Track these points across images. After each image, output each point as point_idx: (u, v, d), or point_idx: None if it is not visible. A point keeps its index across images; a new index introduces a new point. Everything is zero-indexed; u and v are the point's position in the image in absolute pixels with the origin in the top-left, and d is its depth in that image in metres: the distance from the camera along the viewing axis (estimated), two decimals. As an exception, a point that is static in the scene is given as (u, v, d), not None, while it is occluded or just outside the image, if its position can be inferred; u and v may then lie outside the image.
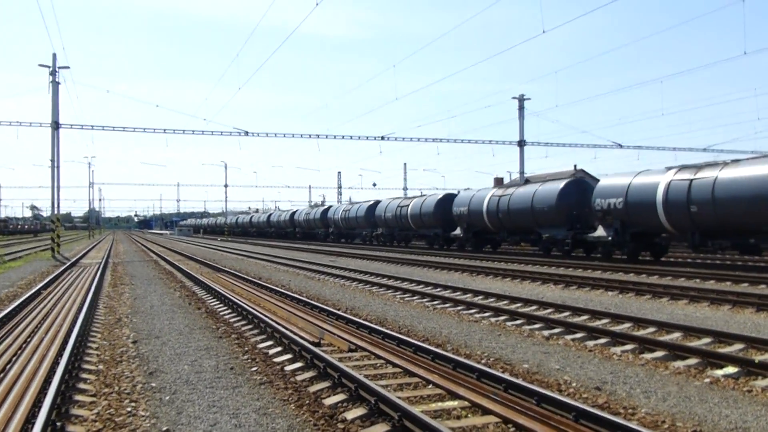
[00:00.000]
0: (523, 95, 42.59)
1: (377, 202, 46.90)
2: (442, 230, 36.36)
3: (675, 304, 13.00)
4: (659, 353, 8.15)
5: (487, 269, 21.03)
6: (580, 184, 27.34)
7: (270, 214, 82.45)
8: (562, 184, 27.02)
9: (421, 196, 40.65)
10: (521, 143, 42.98)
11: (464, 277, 19.79)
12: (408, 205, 39.67)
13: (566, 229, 26.27)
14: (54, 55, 33.50)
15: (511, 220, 29.62)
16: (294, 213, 70.12)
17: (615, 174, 24.69)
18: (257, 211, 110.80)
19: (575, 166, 62.69)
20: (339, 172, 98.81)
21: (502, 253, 31.62)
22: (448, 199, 35.91)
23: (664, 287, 14.86)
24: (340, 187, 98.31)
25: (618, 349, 8.55)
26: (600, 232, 23.92)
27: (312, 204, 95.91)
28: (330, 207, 59.55)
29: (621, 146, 45.59)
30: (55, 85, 33.36)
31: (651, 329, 9.91)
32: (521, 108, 42.67)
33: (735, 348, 8.41)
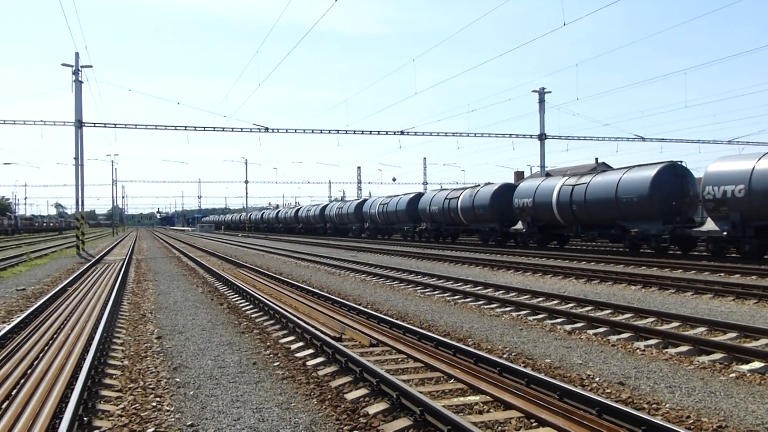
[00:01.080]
0: (543, 88, 42.23)
1: (419, 195, 43.56)
2: (500, 225, 32.81)
3: (699, 298, 12.86)
4: (684, 348, 8.07)
5: (508, 263, 20.94)
6: (678, 169, 23.82)
7: (298, 209, 78.64)
8: (655, 170, 23.44)
9: (474, 186, 36.61)
10: (542, 137, 42.65)
11: (485, 271, 19.73)
12: (458, 198, 35.97)
13: (662, 222, 22.92)
14: (77, 55, 33.82)
15: (588, 213, 25.86)
16: (325, 207, 66.16)
17: (728, 156, 21.65)
18: (277, 207, 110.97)
19: (597, 159, 62.14)
20: (359, 167, 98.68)
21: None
22: (507, 189, 32.77)
23: (689, 281, 14.69)
24: (359, 182, 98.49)
25: (641, 344, 8.48)
26: (710, 225, 20.96)
27: (333, 198, 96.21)
28: (365, 200, 55.35)
29: (644, 139, 45.04)
30: (78, 84, 33.74)
31: (675, 324, 9.81)
32: (542, 101, 42.32)
33: (761, 343, 8.29)
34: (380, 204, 48.68)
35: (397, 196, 47.89)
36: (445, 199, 37.42)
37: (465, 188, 37.33)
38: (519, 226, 30.91)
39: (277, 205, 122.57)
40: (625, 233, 24.69)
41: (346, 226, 58.94)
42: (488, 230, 34.27)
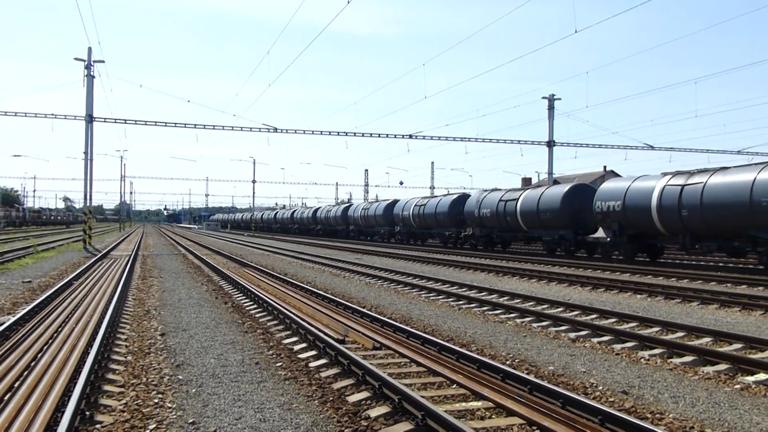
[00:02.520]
0: (553, 95, 42.19)
1: (465, 195, 37.96)
2: (572, 232, 27.71)
3: (705, 308, 12.78)
4: (688, 358, 8.02)
5: (513, 270, 20.88)
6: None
7: (316, 209, 71.90)
8: None
9: (537, 187, 32.64)
10: (550, 143, 42.59)
11: (490, 277, 19.69)
12: (517, 199, 31.09)
13: None
14: (89, 49, 33.99)
15: (704, 221, 20.84)
16: (347, 208, 60.57)
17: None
18: (291, 207, 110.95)
19: (605, 167, 62.01)
20: (366, 170, 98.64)
21: (525, 254, 31.12)
22: (583, 191, 28.50)
23: (695, 291, 14.62)
24: (367, 184, 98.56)
25: (646, 353, 8.44)
26: None
27: (341, 201, 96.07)
28: (396, 201, 48.48)
29: (653, 148, 44.93)
30: (90, 78, 33.90)
31: (680, 333, 9.76)
32: (551, 108, 42.28)
33: (767, 354, 8.24)
34: (416, 205, 42.29)
35: (436, 197, 42.78)
36: (500, 200, 32.16)
37: (526, 188, 33.16)
38: (599, 234, 25.71)
39: (284, 205, 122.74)
40: (760, 245, 19.92)
41: (372, 229, 53.13)
42: (556, 238, 28.87)
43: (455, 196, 38.54)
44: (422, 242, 45.53)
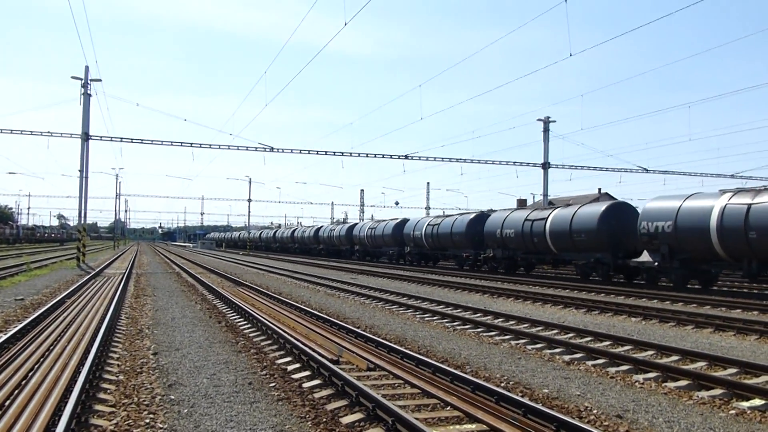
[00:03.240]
0: (548, 117, 42.48)
1: (484, 215, 35.18)
2: (611, 255, 24.98)
3: (700, 332, 12.77)
4: (683, 382, 8.00)
5: (508, 291, 20.86)
6: None
7: (318, 228, 69.33)
8: None
9: (567, 205, 29.04)
10: (545, 166, 42.79)
11: (485, 298, 19.65)
12: (545, 219, 28.31)
13: None
14: (86, 68, 34.13)
15: None
16: (352, 227, 57.01)
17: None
18: (279, 226, 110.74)
19: (599, 189, 62.19)
20: (362, 190, 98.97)
21: (522, 276, 30.95)
22: (624, 210, 25.96)
23: (689, 315, 14.61)
24: (362, 204, 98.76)
25: (640, 377, 8.41)
26: None
27: (336, 220, 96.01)
28: (406, 220, 45.93)
29: (647, 170, 45.20)
30: (87, 97, 34.02)
31: (675, 357, 9.74)
32: (546, 130, 42.54)
33: (762, 380, 8.22)
34: (429, 225, 39.74)
35: (452, 215, 39.83)
36: (526, 220, 29.48)
37: (554, 207, 30.18)
38: (644, 257, 23.29)
39: (279, 224, 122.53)
40: None
41: (379, 249, 50.11)
42: (592, 262, 26.13)
43: (473, 215, 35.98)
44: (434, 264, 42.63)
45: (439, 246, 39.02)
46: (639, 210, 25.05)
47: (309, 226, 78.92)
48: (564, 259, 29.05)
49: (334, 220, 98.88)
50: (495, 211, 34.27)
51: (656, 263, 22.52)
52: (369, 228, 51.17)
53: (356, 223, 57.04)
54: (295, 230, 79.15)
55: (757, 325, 13.00)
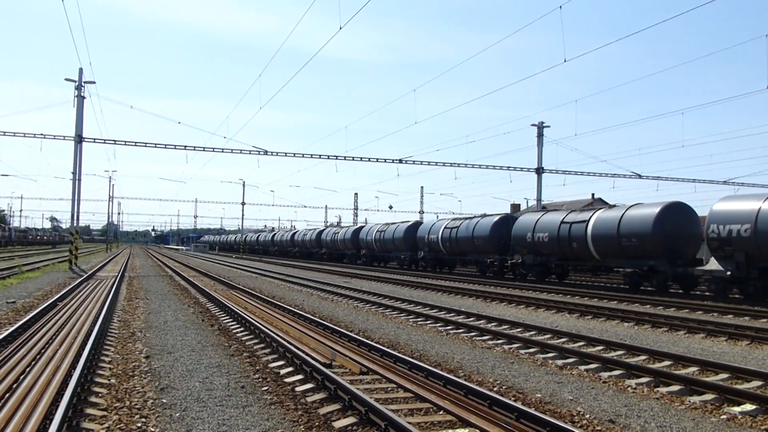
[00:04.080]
0: (542, 122, 42.63)
1: (510, 216, 33.48)
2: (668, 262, 22.41)
3: (692, 337, 12.82)
4: (675, 387, 8.03)
5: (501, 295, 20.88)
6: None
7: (321, 231, 66.02)
8: None
9: (611, 206, 26.09)
10: (539, 170, 42.90)
11: (478, 302, 19.67)
12: (586, 221, 25.34)
13: None
14: (80, 70, 34.02)
15: None
16: (359, 230, 54.19)
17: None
18: (273, 229, 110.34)
19: (593, 194, 62.47)
20: (356, 194, 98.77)
21: (511, 280, 30.89)
22: (684, 212, 23.19)
23: (681, 320, 14.67)
24: (356, 208, 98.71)
25: (633, 382, 8.43)
26: None
27: (329, 224, 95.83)
28: (419, 223, 43.83)
29: (640, 176, 45.41)
30: (81, 99, 33.90)
31: (667, 362, 9.77)
32: (540, 135, 42.68)
33: (753, 385, 8.25)
34: (446, 228, 36.88)
35: (473, 217, 36.34)
36: (563, 222, 26.56)
37: (595, 207, 27.41)
38: (712, 265, 21.20)
39: (272, 228, 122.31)
40: None
41: (389, 254, 47.54)
42: (644, 270, 23.37)
43: (498, 218, 33.36)
44: (450, 270, 39.64)
45: (458, 251, 36.04)
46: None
47: (310, 229, 74.70)
48: (608, 266, 26.04)
49: (328, 224, 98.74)
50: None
51: (728, 272, 19.96)
52: (378, 231, 48.13)
53: (363, 226, 53.67)
54: (295, 233, 75.29)
55: (749, 330, 13.07)
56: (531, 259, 29.19)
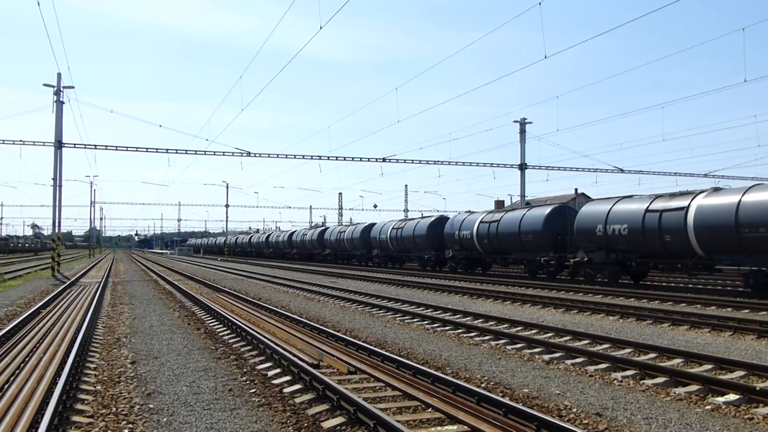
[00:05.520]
0: (524, 119, 42.80)
1: (566, 208, 29.03)
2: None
3: (676, 329, 12.95)
4: (660, 379, 8.11)
5: (487, 292, 20.97)
6: None
7: (323, 230, 60.79)
8: None
9: (717, 190, 21.23)
10: (522, 167, 43.09)
11: (464, 299, 19.73)
12: (684, 209, 20.84)
13: None
14: (59, 75, 33.67)
15: None
16: (369, 228, 48.49)
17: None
18: (257, 231, 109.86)
19: (576, 189, 62.74)
20: (340, 194, 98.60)
21: (501, 277, 30.90)
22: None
23: (666, 312, 14.81)
24: (341, 208, 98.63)
25: (619, 375, 8.51)
26: None
27: (313, 224, 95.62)
28: (442, 218, 38.82)
29: (622, 171, 45.72)
30: (60, 104, 33.55)
31: (652, 355, 9.87)
32: (522, 132, 42.86)
33: (736, 375, 8.36)
34: (481, 222, 32.04)
35: (514, 209, 32.15)
36: (648, 211, 22.08)
37: (694, 192, 21.65)
38: None
39: (257, 229, 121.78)
40: None
41: (408, 253, 42.64)
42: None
43: (551, 209, 28.41)
44: (485, 271, 35.04)
45: (500, 249, 31.16)
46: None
47: (310, 228, 70.82)
48: (719, 263, 21.31)
49: (313, 224, 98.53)
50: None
51: None
52: (394, 228, 42.97)
53: (374, 224, 49.18)
54: (293, 233, 70.63)
55: (731, 321, 13.23)
56: (601, 257, 24.28)
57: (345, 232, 52.53)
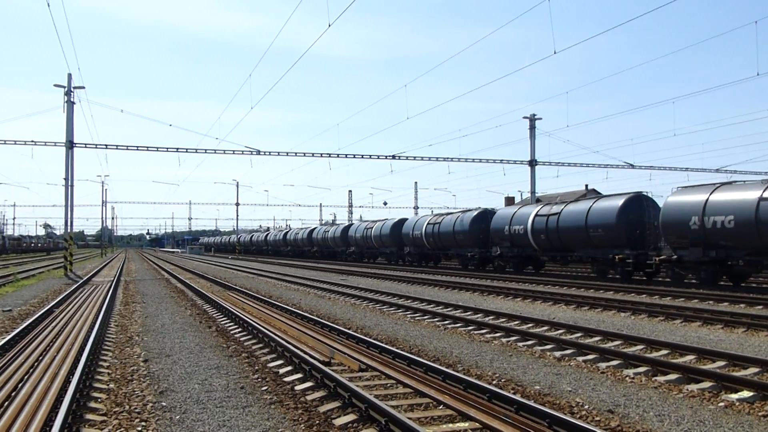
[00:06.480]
0: (534, 115, 42.61)
1: (641, 196, 24.76)
2: None
3: (688, 326, 12.88)
4: (672, 376, 8.07)
5: (498, 289, 20.92)
6: None
7: (347, 227, 57.60)
8: None
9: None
10: (532, 163, 42.93)
11: (475, 296, 19.70)
12: None
13: None
14: (69, 76, 33.84)
15: None
16: (401, 223, 45.06)
17: None
18: (267, 229, 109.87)
19: (586, 185, 62.51)
20: (350, 191, 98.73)
21: (510, 274, 30.65)
22: None
23: (678, 309, 14.73)
24: (351, 205, 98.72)
25: (631, 372, 8.47)
26: None
27: (324, 222, 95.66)
28: (489, 212, 34.57)
29: (633, 166, 45.45)
30: (70, 105, 33.73)
31: (664, 351, 9.81)
32: (532, 128, 42.69)
33: (750, 372, 8.30)
34: (537, 216, 28.76)
35: (577, 201, 28.22)
36: (763, 199, 19.02)
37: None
38: None
39: (268, 227, 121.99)
40: None
41: (446, 251, 38.76)
42: None
43: (625, 198, 24.47)
44: (537, 270, 32.02)
45: (559, 246, 27.54)
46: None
47: (332, 225, 68.99)
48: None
49: (323, 222, 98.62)
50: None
51: None
52: (430, 224, 39.36)
53: (405, 219, 46.15)
54: (313, 230, 67.85)
55: (745, 317, 13.14)
56: (696, 255, 21.04)
57: (372, 228, 49.15)
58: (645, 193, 24.95)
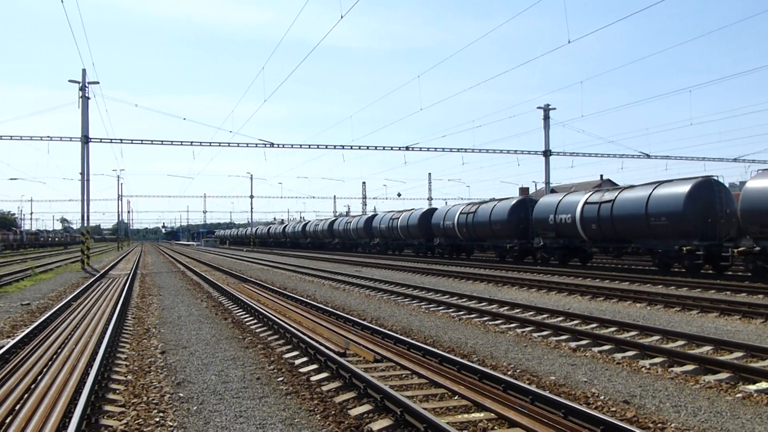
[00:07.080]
0: (548, 105, 42.34)
1: (713, 182, 22.05)
2: None
3: (705, 316, 12.79)
4: (689, 367, 8.02)
5: (512, 280, 20.87)
6: None
7: (370, 218, 54.83)
8: None
9: None
10: (546, 153, 42.71)
11: (489, 287, 19.67)
12: None
13: None
14: (84, 71, 34.08)
15: None
16: (431, 213, 42.36)
17: None
18: (282, 222, 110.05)
19: (601, 176, 62.11)
20: (364, 183, 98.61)
21: (526, 264, 30.30)
22: None
23: (694, 299, 14.63)
24: (365, 197, 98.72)
25: (647, 362, 8.43)
26: None
27: (340, 214, 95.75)
28: (525, 200, 32.76)
29: (648, 156, 45.06)
30: (85, 100, 33.96)
31: (680, 342, 9.75)
32: (546, 118, 42.43)
33: (768, 361, 8.24)
34: (587, 203, 26.05)
35: (632, 187, 24.93)
36: None
37: None
38: None
39: (282, 219, 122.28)
40: None
41: (481, 242, 35.68)
42: None
43: (692, 185, 21.80)
44: (584, 263, 28.61)
45: (613, 236, 24.90)
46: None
47: (354, 216, 66.85)
48: None
49: (337, 213, 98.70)
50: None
51: None
52: (463, 213, 36.22)
53: (434, 209, 43.65)
54: (334, 221, 65.69)
55: (763, 308, 13.00)
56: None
57: (398, 218, 46.31)
58: (715, 178, 22.34)
